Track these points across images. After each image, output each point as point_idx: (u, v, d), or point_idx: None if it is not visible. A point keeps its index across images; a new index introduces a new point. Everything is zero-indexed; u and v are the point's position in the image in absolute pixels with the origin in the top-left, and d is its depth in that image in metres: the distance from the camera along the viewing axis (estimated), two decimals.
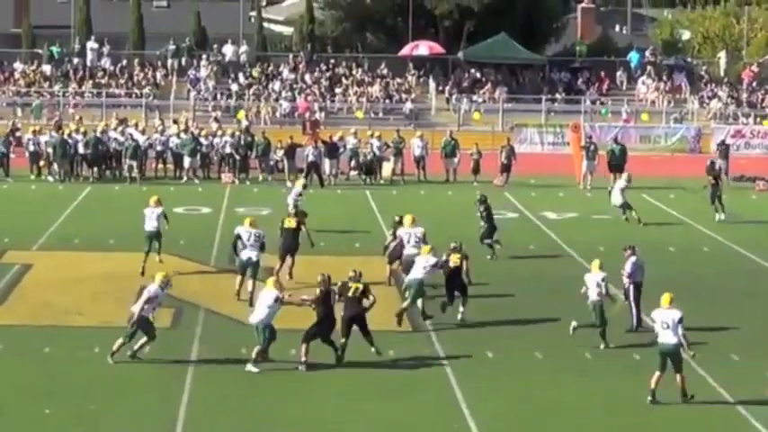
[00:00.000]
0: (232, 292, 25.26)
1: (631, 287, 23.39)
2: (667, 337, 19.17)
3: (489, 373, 20.80)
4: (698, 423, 18.87)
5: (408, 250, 25.53)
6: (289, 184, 40.51)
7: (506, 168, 41.67)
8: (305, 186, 31.88)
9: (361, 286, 21.34)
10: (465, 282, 24.18)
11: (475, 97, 56.00)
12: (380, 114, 54.66)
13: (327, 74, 57.52)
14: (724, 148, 43.51)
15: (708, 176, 36.79)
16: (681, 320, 19.17)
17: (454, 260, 24.19)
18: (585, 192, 40.80)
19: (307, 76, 57.11)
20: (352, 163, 42.76)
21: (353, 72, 57.92)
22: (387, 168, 42.42)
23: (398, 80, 57.38)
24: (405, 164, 42.34)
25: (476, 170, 42.02)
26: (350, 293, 21.26)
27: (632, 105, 55.75)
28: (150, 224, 27.63)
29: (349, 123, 49.92)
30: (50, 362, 20.96)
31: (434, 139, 45.93)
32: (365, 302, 21.30)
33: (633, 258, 23.51)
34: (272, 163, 42.42)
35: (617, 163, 41.11)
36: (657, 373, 19.19)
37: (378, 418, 18.70)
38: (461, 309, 23.92)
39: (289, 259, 26.66)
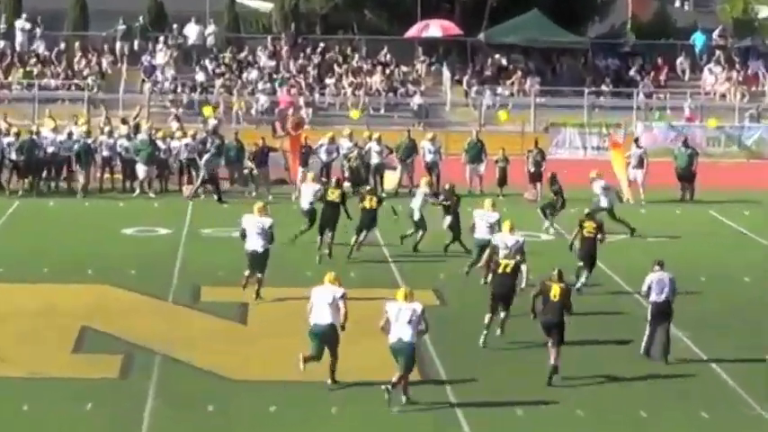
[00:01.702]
0: (194, 334, 25.27)
1: (650, 307, 24.37)
2: None
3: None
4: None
5: (480, 234, 29.56)
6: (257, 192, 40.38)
7: (536, 177, 41.11)
8: (430, 185, 34.77)
9: (512, 263, 24.60)
10: (596, 253, 28.52)
11: (500, 90, 56.13)
12: (382, 111, 54.78)
13: (315, 61, 57.69)
14: None
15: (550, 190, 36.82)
16: None
17: (588, 228, 28.38)
18: (639, 207, 40.45)
19: (290, 64, 57.27)
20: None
21: (348, 58, 58.07)
22: (391, 179, 42.08)
23: (404, 68, 57.55)
24: (414, 173, 41.57)
25: (502, 181, 41.78)
26: (500, 270, 24.51)
27: (697, 100, 55.79)
28: (306, 201, 32.15)
29: (342, 122, 50.00)
30: None
31: (449, 141, 45.84)
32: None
33: (654, 274, 24.18)
34: (245, 171, 42.27)
35: (683, 172, 40.99)
36: None
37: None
38: (583, 279, 28.44)
39: (328, 233, 31.07)
